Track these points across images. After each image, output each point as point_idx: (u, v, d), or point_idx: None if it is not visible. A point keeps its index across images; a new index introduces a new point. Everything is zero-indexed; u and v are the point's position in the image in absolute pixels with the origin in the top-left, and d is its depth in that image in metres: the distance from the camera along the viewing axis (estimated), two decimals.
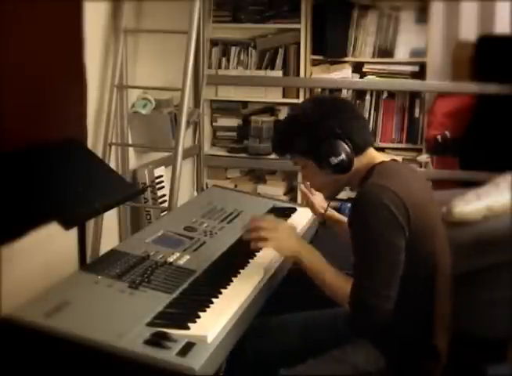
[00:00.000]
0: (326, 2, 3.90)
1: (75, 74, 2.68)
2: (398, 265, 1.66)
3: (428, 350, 1.77)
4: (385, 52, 3.94)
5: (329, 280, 1.76)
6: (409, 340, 1.76)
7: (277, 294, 1.92)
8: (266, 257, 1.99)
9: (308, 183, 2.06)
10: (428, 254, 1.74)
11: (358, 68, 3.99)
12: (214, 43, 4.12)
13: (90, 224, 2.85)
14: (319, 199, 2.20)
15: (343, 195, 4.06)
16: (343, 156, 1.77)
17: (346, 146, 1.77)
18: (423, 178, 1.90)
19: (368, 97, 4.02)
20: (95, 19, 2.86)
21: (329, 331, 1.91)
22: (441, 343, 1.78)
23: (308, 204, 2.23)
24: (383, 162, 1.82)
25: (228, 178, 4.28)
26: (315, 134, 1.79)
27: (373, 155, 1.85)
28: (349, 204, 3.84)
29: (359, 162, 1.81)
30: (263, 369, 1.91)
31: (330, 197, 2.01)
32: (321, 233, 2.45)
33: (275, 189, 4.12)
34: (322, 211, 2.17)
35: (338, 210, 3.95)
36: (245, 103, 4.23)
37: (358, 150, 1.81)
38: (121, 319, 1.53)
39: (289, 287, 2.01)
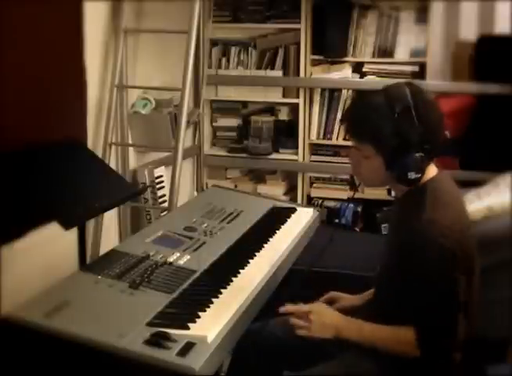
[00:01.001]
0: (326, 2, 3.89)
1: (75, 74, 2.68)
2: (460, 299, 1.66)
3: (440, 358, 1.74)
4: (385, 52, 3.93)
5: (381, 338, 1.72)
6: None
7: (277, 294, 1.92)
8: (266, 257, 2.00)
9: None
10: (465, 272, 1.70)
11: (358, 68, 3.99)
12: (214, 43, 4.11)
13: (90, 224, 2.85)
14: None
15: (343, 195, 4.10)
16: (421, 174, 1.71)
17: (426, 163, 1.72)
18: (461, 193, 1.86)
19: None
20: (95, 19, 2.86)
21: None
22: (454, 352, 1.76)
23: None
24: (433, 180, 1.77)
25: (228, 178, 4.28)
26: (406, 135, 1.68)
27: (428, 168, 1.78)
28: (350, 205, 3.88)
29: None
30: (264, 369, 1.91)
31: (369, 185, 1.93)
32: (321, 232, 2.45)
33: (275, 189, 4.12)
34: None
35: (338, 210, 3.99)
36: (245, 103, 4.23)
37: (429, 161, 1.76)
38: (121, 319, 1.53)
39: (289, 287, 2.01)
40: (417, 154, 1.68)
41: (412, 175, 1.69)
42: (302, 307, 1.77)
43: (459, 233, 1.67)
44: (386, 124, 1.68)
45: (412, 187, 1.76)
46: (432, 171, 1.79)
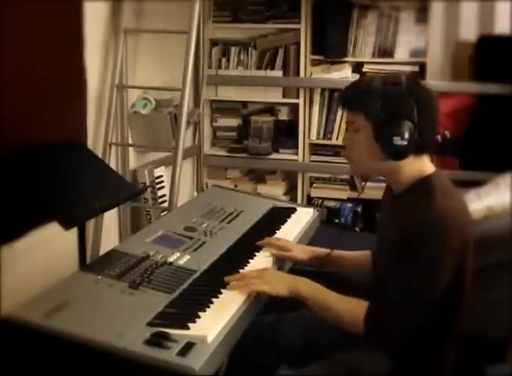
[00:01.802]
0: (326, 2, 3.90)
1: (75, 74, 2.68)
2: (434, 294, 1.64)
3: (436, 355, 1.76)
4: (385, 52, 3.93)
5: (334, 304, 1.70)
6: (418, 346, 1.74)
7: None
8: (266, 257, 2.00)
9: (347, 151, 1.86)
10: (459, 269, 1.70)
11: (358, 68, 3.99)
12: (214, 43, 4.11)
13: (90, 224, 2.85)
14: (297, 250, 2.07)
15: (343, 195, 4.10)
16: (407, 142, 1.67)
17: (415, 135, 1.68)
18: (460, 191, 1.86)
19: None
20: (95, 19, 2.86)
21: (330, 332, 1.90)
22: (450, 349, 1.78)
23: (291, 259, 2.07)
24: (436, 174, 1.76)
25: (228, 178, 4.28)
26: (394, 104, 1.69)
27: (425, 163, 1.78)
28: (349, 204, 3.89)
29: (413, 167, 1.75)
30: (262, 367, 1.91)
31: (357, 172, 1.90)
32: (321, 233, 2.45)
33: (275, 189, 4.12)
34: (304, 258, 2.07)
35: (338, 210, 3.99)
36: (245, 103, 4.23)
37: (422, 150, 1.74)
38: (121, 319, 1.53)
39: None
40: (408, 121, 1.68)
41: (396, 141, 1.66)
42: (252, 271, 1.79)
43: (464, 225, 1.66)
44: (376, 92, 1.71)
45: (415, 180, 1.74)
46: (430, 167, 1.78)
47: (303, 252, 2.08)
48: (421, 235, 1.62)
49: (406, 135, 1.67)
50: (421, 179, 1.74)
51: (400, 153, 1.70)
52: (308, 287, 1.75)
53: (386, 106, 1.69)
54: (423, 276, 1.62)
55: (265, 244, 2.06)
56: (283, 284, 1.74)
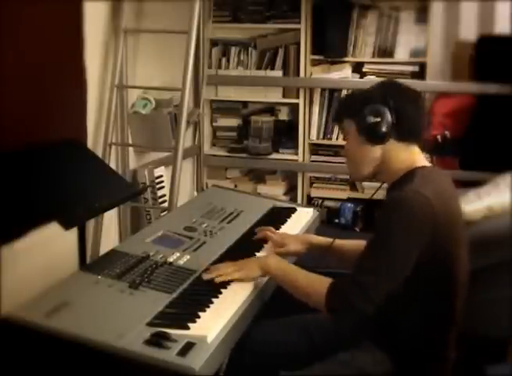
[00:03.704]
0: (326, 2, 3.90)
1: (75, 74, 2.68)
2: (400, 277, 1.65)
3: (437, 355, 1.76)
4: (385, 52, 3.93)
5: (301, 281, 1.75)
6: (418, 344, 1.75)
7: (277, 295, 1.92)
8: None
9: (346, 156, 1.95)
10: (447, 262, 1.72)
11: (358, 68, 3.99)
12: (214, 43, 4.11)
13: (90, 224, 2.85)
14: (292, 243, 2.10)
15: (343, 195, 4.10)
16: (381, 120, 1.75)
17: (388, 114, 1.75)
18: (453, 186, 1.87)
19: None
20: (95, 19, 2.86)
21: (330, 333, 1.90)
22: (450, 348, 1.78)
23: (288, 253, 2.09)
24: (424, 166, 1.80)
25: (228, 178, 4.28)
26: (367, 97, 1.80)
27: (417, 157, 1.82)
28: (349, 204, 3.89)
29: (398, 155, 1.79)
30: (263, 370, 1.91)
31: (357, 175, 1.93)
32: (321, 233, 2.45)
33: (275, 189, 4.12)
34: (301, 249, 2.10)
35: (338, 210, 3.99)
36: (245, 103, 4.23)
37: (403, 135, 1.79)
38: (121, 319, 1.53)
39: None
40: (380, 104, 1.76)
41: (370, 119, 1.75)
42: (226, 264, 1.85)
43: (440, 215, 1.66)
44: (356, 97, 1.89)
45: (404, 174, 1.76)
46: (420, 159, 1.82)
47: (299, 243, 2.10)
48: (386, 213, 1.68)
49: (379, 114, 1.75)
50: (408, 172, 1.78)
51: (379, 134, 1.77)
52: (277, 265, 1.82)
53: (364, 104, 1.79)
54: (385, 253, 1.64)
55: (261, 236, 2.11)
56: (254, 266, 1.82)
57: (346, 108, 1.89)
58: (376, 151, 1.79)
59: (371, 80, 3.92)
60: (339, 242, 2.09)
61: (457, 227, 1.75)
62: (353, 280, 1.64)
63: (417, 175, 1.73)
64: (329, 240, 2.09)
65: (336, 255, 2.10)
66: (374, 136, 1.78)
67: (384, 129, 1.75)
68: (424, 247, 1.65)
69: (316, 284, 1.72)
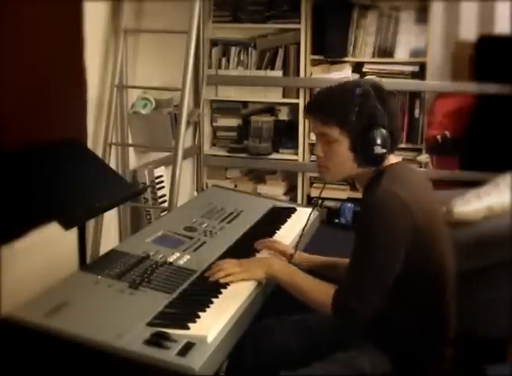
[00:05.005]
0: (326, 2, 3.90)
1: (75, 74, 2.68)
2: (390, 276, 1.66)
3: (434, 354, 1.77)
4: (385, 52, 3.93)
5: (306, 286, 1.75)
6: (415, 343, 1.75)
7: (277, 295, 1.92)
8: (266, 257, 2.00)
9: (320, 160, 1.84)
10: (433, 258, 1.73)
11: (358, 68, 3.99)
12: (214, 43, 4.11)
13: (90, 224, 2.85)
14: (283, 246, 2.08)
15: (343, 195, 4.10)
16: (385, 150, 1.72)
17: (390, 141, 1.73)
18: (426, 180, 1.88)
19: None
20: (95, 19, 2.86)
21: (330, 333, 1.90)
22: (447, 346, 1.78)
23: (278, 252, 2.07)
24: (392, 165, 1.79)
25: (228, 178, 4.28)
26: (369, 115, 1.71)
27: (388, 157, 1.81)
28: (349, 204, 3.89)
29: None
30: (263, 370, 1.91)
31: (331, 178, 1.92)
32: (321, 233, 2.45)
33: (275, 189, 4.12)
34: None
35: (338, 210, 3.98)
36: (245, 103, 4.23)
37: (392, 149, 1.78)
38: (121, 319, 1.53)
39: None
40: (383, 129, 1.72)
41: (377, 150, 1.71)
42: (230, 262, 1.84)
43: (417, 213, 1.66)
44: (350, 103, 1.73)
45: (375, 173, 1.77)
46: (393, 159, 1.82)
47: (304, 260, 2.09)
48: (364, 218, 1.69)
49: (384, 143, 1.72)
50: (379, 171, 1.77)
51: (381, 160, 1.75)
52: (282, 269, 1.82)
53: (361, 118, 1.72)
54: (374, 255, 1.65)
55: (262, 248, 2.06)
56: (259, 269, 1.81)
57: (335, 112, 1.74)
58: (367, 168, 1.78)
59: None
60: (333, 260, 2.07)
61: (435, 218, 1.76)
62: (351, 290, 1.66)
63: (387, 174, 1.73)
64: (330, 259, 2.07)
65: (332, 273, 2.07)
66: (375, 162, 1.75)
67: (383, 157, 1.74)
68: (409, 244, 1.65)
69: (321, 293, 1.72)
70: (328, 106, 1.76)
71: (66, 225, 1.96)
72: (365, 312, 1.66)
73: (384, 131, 1.72)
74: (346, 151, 1.75)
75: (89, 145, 2.82)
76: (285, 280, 1.79)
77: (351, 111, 1.72)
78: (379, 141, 1.71)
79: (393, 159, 1.81)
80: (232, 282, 1.77)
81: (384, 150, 1.72)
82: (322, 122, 1.77)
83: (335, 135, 1.75)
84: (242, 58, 4.10)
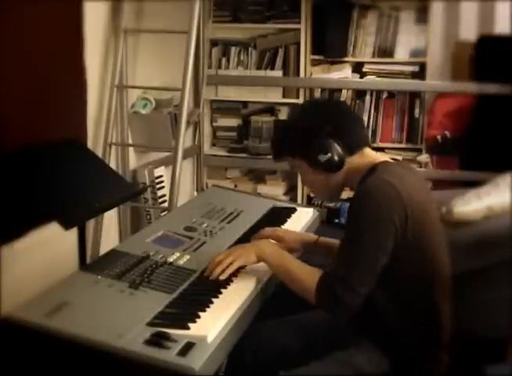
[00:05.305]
0: (326, 2, 3.90)
1: (75, 74, 2.68)
2: (378, 266, 1.66)
3: (431, 352, 1.77)
4: (385, 52, 3.94)
5: (294, 269, 1.76)
6: (412, 342, 1.75)
7: (277, 295, 1.92)
8: None
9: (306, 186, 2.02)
10: (427, 254, 1.73)
11: (358, 68, 3.99)
12: (214, 43, 4.12)
13: (90, 224, 2.85)
14: (290, 241, 2.08)
15: (343, 195, 4.08)
16: (332, 154, 1.77)
17: (336, 145, 1.77)
18: (422, 179, 1.89)
19: (368, 97, 4.02)
20: (95, 19, 2.86)
21: (329, 333, 1.90)
22: (444, 345, 1.78)
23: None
24: (385, 162, 1.82)
25: (228, 178, 4.28)
26: (305, 133, 1.80)
27: (374, 155, 1.84)
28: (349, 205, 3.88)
29: (357, 161, 1.81)
30: (262, 370, 1.91)
31: (330, 198, 1.99)
32: (321, 233, 2.45)
33: (275, 189, 4.12)
34: (297, 247, 2.07)
35: (338, 210, 3.98)
36: (245, 103, 4.23)
37: (352, 148, 1.81)
38: (121, 319, 1.53)
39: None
40: (321, 138, 1.78)
41: (322, 158, 1.77)
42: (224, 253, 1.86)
43: (409, 206, 1.66)
44: (285, 130, 1.91)
45: (367, 170, 1.78)
46: (378, 156, 1.84)
47: (295, 242, 2.09)
48: (355, 204, 1.71)
49: (327, 150, 1.77)
50: (371, 168, 1.79)
51: (334, 164, 1.79)
52: (272, 251, 1.83)
53: (302, 140, 1.81)
54: (360, 244, 1.65)
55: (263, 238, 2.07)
56: (252, 252, 1.83)
57: (285, 148, 1.90)
58: (336, 174, 1.82)
59: (371, 80, 3.93)
60: (325, 240, 2.10)
61: (429, 218, 1.75)
62: (336, 275, 1.66)
63: (380, 168, 1.76)
64: (315, 236, 2.10)
65: (322, 252, 2.11)
66: (331, 170, 1.81)
67: (337, 159, 1.78)
68: (399, 237, 1.65)
69: (308, 277, 1.72)
70: (275, 143, 2.00)
71: (66, 225, 1.96)
72: (351, 302, 1.64)
73: (324, 139, 1.77)
74: (309, 169, 1.84)
75: (89, 145, 2.82)
76: (274, 263, 1.81)
77: (290, 139, 1.86)
78: (321, 149, 1.77)
79: (382, 157, 1.84)
80: (231, 272, 1.79)
81: (330, 155, 1.77)
82: (281, 160, 1.96)
83: (296, 163, 1.88)
84: (242, 58, 4.10)
